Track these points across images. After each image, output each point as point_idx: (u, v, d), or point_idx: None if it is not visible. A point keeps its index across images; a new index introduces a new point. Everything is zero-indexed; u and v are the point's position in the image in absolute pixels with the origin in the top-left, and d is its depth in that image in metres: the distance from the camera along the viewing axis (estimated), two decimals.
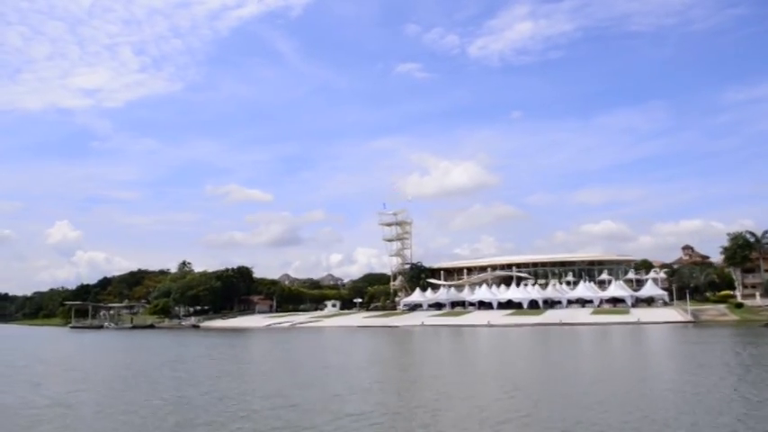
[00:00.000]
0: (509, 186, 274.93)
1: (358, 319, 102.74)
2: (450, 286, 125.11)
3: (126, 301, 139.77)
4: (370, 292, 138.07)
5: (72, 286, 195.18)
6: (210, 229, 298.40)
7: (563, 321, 78.27)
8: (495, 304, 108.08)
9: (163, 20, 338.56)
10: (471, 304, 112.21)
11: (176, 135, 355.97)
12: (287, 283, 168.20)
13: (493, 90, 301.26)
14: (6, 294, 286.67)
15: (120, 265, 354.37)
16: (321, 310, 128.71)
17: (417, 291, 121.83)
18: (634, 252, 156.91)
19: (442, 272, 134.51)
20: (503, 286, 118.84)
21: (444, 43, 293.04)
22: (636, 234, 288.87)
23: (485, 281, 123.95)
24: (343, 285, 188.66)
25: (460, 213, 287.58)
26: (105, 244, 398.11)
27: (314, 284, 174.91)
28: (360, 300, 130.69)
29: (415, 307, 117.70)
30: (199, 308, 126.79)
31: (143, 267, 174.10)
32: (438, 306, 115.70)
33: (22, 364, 36.51)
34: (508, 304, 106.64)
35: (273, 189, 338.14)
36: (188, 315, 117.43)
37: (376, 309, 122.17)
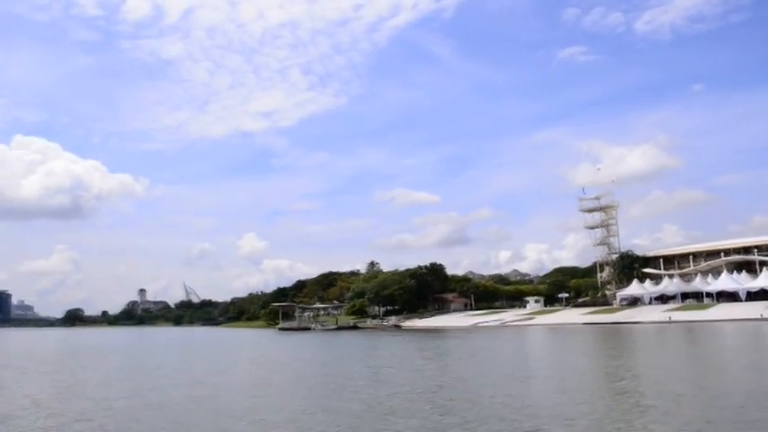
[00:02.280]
0: (692, 168, 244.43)
1: (573, 315, 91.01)
2: (671, 275, 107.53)
3: (317, 302, 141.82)
4: (574, 286, 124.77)
5: (262, 292, 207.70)
6: (380, 233, 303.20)
7: None
8: (742, 294, 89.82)
9: (325, 39, 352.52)
10: (708, 295, 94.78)
11: (345, 146, 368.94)
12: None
13: (667, 65, 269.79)
14: (210, 300, 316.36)
15: (302, 271, 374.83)
16: (519, 307, 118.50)
17: (635, 282, 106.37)
18: None
19: (660, 260, 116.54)
20: (744, 273, 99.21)
21: (607, 22, 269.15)
22: None
23: (716, 268, 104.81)
24: (531, 281, 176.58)
25: (638, 202, 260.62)
26: (288, 252, 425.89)
27: (501, 281, 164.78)
28: (566, 294, 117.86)
29: (634, 301, 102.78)
30: (390, 307, 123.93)
31: (321, 272, 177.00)
32: (662, 299, 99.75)
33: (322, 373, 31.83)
34: (760, 294, 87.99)
35: (439, 190, 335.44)
36: (386, 315, 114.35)
37: (585, 304, 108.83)
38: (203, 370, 30.17)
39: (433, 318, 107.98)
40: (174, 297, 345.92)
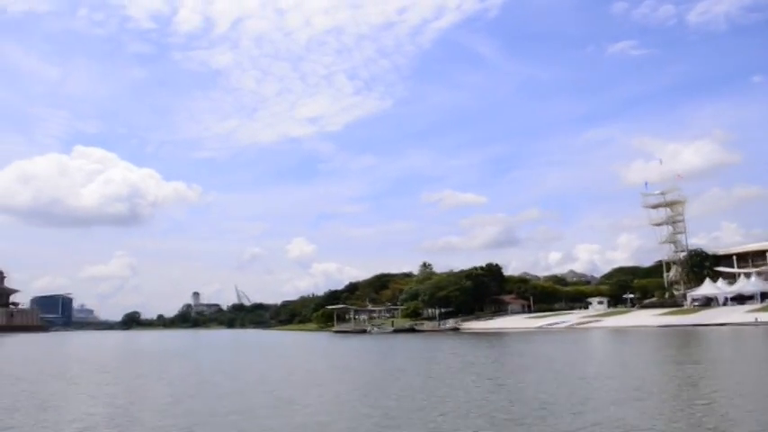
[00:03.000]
0: (753, 163, 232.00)
1: (644, 317, 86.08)
2: (747, 274, 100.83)
3: (369, 304, 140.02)
4: (638, 286, 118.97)
5: (313, 294, 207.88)
6: (427, 235, 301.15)
7: None
8: None
9: (370, 44, 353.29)
10: None
11: (391, 149, 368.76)
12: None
13: (722, 57, 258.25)
14: (261, 304, 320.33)
15: (350, 274, 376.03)
16: (580, 309, 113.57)
17: (707, 281, 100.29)
18: None
19: (734, 257, 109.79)
20: None
21: (658, 15, 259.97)
22: None
23: None
24: (588, 282, 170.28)
25: (694, 199, 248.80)
26: (336, 255, 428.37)
27: (558, 282, 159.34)
28: (632, 295, 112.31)
29: (707, 301, 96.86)
30: (444, 309, 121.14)
31: (369, 276, 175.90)
32: (739, 299, 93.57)
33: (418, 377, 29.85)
34: None
35: (486, 191, 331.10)
36: (442, 317, 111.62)
37: (653, 305, 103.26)
38: (284, 381, 27.90)
39: (492, 320, 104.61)
40: (226, 300, 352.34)
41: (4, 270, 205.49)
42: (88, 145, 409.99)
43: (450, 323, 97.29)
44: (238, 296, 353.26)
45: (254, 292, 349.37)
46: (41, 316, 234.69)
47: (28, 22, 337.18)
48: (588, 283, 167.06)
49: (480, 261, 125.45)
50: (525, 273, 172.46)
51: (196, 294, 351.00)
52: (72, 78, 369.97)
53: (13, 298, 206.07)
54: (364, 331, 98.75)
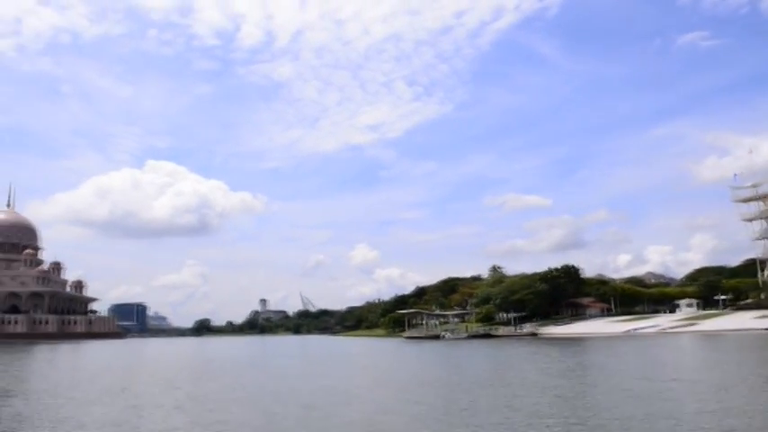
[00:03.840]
0: None
1: (744, 320, 79.16)
2: None
3: (437, 308, 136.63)
4: (729, 287, 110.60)
5: (379, 300, 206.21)
6: (491, 239, 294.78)
7: None
8: None
9: (428, 49, 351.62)
10: None
11: (452, 153, 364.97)
12: None
13: None
14: (326, 310, 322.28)
15: (413, 279, 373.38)
16: (664, 312, 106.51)
17: None
18: None
19: None
20: None
21: (729, 3, 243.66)
22: None
23: None
24: (667, 284, 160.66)
25: None
26: (399, 261, 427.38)
27: (637, 283, 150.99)
28: (723, 297, 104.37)
29: None
30: (516, 314, 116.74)
31: (434, 281, 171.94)
32: None
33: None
34: None
35: (551, 193, 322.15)
36: (515, 321, 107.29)
37: (749, 307, 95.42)
38: (388, 399, 24.88)
39: (571, 324, 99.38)
40: (292, 306, 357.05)
41: (83, 280, 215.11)
42: (159, 159, 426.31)
43: (528, 328, 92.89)
44: (303, 302, 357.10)
45: (318, 299, 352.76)
46: (118, 323, 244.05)
47: (103, 45, 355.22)
48: (668, 285, 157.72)
49: (546, 265, 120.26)
50: (600, 275, 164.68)
51: (263, 301, 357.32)
52: (143, 96, 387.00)
53: (92, 306, 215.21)
54: (437, 337, 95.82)
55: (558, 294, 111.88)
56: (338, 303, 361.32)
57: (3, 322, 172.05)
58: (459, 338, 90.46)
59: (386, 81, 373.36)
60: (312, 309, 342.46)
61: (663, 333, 74.67)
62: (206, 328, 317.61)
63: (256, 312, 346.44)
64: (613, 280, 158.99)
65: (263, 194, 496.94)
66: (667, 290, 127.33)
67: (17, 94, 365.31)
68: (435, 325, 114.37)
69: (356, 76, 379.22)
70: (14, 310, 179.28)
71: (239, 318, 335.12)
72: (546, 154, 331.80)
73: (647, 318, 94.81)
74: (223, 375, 38.06)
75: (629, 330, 79.83)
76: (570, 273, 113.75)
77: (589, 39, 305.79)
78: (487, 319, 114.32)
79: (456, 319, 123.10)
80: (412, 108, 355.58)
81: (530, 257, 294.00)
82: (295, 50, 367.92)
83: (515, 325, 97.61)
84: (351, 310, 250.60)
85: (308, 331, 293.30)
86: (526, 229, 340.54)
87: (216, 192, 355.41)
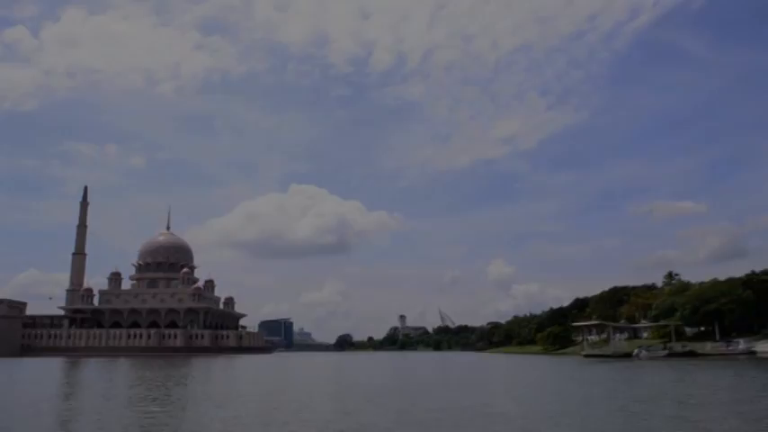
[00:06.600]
0: None
1: None
2: None
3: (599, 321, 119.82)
4: None
5: (530, 314, 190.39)
6: (636, 250, 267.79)
7: None
8: None
9: (561, 56, 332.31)
10: None
11: (590, 162, 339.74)
12: None
13: None
14: (465, 326, 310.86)
15: (554, 294, 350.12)
16: None
17: None
18: None
19: None
20: None
21: None
22: None
23: None
24: None
25: None
26: (537, 276, 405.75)
27: None
28: None
29: None
30: (703, 328, 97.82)
31: (574, 296, 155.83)
32: None
33: None
34: None
35: (705, 198, 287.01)
36: (707, 336, 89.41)
37: None
38: None
39: None
40: (430, 322, 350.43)
41: (233, 297, 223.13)
42: (301, 183, 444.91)
43: (742, 344, 74.98)
44: (442, 318, 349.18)
45: (455, 315, 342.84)
46: (266, 338, 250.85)
47: (248, 81, 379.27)
48: None
49: (703, 276, 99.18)
50: None
51: (402, 317, 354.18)
52: (285, 125, 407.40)
53: (241, 322, 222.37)
54: (628, 355, 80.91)
55: (766, 303, 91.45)
56: (474, 320, 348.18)
57: (164, 337, 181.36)
58: (656, 357, 75.22)
59: (517, 92, 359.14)
60: (451, 325, 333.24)
61: None
62: (348, 344, 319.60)
63: (395, 328, 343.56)
64: None
65: (399, 213, 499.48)
66: None
67: (175, 130, 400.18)
68: (619, 340, 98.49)
69: (486, 89, 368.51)
70: (173, 325, 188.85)
71: (379, 333, 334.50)
72: (698, 156, 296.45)
73: None
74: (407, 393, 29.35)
75: None
76: None
77: (740, 28, 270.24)
78: (677, 333, 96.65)
79: (645, 334, 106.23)
80: (545, 118, 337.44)
81: (684, 269, 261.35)
82: (425, 70, 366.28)
83: (726, 341, 79.66)
84: (495, 326, 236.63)
85: (449, 347, 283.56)
86: (678, 238, 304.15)
87: (354, 212, 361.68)
